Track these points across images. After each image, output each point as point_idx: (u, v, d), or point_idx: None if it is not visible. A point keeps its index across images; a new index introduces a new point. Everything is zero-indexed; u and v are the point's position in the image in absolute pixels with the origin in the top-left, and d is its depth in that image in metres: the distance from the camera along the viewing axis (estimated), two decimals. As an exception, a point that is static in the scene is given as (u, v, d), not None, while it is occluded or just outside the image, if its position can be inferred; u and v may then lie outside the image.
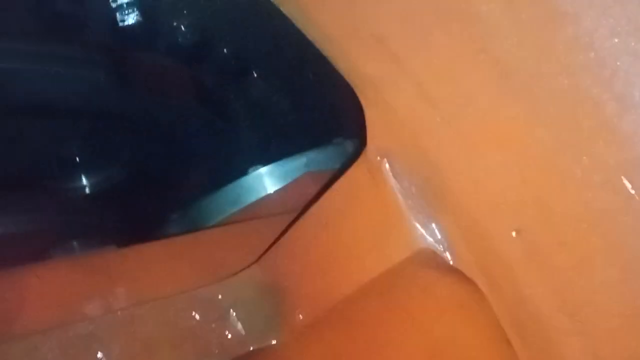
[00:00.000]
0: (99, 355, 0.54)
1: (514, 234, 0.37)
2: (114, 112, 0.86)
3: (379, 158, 0.44)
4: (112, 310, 0.56)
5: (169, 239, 0.67)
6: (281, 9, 0.45)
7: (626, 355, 0.34)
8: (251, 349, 0.59)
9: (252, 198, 0.84)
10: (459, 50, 0.37)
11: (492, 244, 0.39)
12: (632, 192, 0.31)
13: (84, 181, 0.89)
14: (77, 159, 0.88)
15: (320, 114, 0.92)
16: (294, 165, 0.85)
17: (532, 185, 0.35)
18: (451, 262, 0.43)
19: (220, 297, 0.60)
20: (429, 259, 0.45)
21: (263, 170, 0.86)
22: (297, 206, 0.66)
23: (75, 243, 0.80)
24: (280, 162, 0.86)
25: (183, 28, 0.83)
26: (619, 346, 0.35)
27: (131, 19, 0.80)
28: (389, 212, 0.45)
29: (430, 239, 0.44)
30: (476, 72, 0.36)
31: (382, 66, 0.41)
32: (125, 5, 0.79)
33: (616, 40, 0.32)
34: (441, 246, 0.43)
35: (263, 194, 0.84)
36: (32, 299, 0.57)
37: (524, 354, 0.38)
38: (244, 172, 0.86)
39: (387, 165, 0.43)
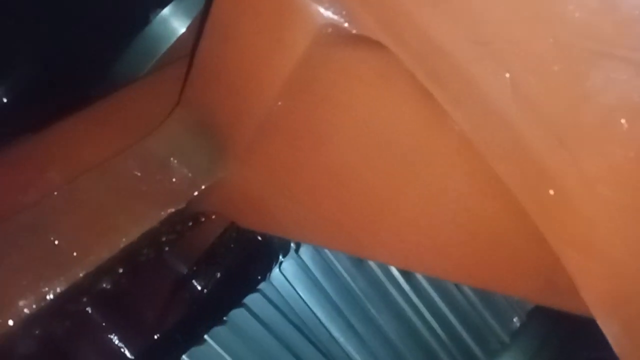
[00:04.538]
0: (54, 240, 0.53)
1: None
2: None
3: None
4: (50, 193, 0.54)
5: (87, 108, 0.63)
6: None
7: (540, 74, 0.33)
8: (203, 187, 0.58)
9: (164, 45, 0.79)
10: None
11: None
12: None
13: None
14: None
15: None
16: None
17: None
18: (354, 31, 0.40)
19: (155, 148, 0.59)
20: (334, 36, 0.42)
21: (166, 12, 0.80)
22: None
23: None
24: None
25: None
26: (533, 68, 0.33)
27: None
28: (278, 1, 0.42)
29: (327, 13, 0.40)
30: None
31: None
32: None
33: None
34: (340, 17, 0.40)
35: (173, 37, 0.79)
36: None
37: (444, 97, 0.37)
38: (147, 22, 0.80)
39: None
